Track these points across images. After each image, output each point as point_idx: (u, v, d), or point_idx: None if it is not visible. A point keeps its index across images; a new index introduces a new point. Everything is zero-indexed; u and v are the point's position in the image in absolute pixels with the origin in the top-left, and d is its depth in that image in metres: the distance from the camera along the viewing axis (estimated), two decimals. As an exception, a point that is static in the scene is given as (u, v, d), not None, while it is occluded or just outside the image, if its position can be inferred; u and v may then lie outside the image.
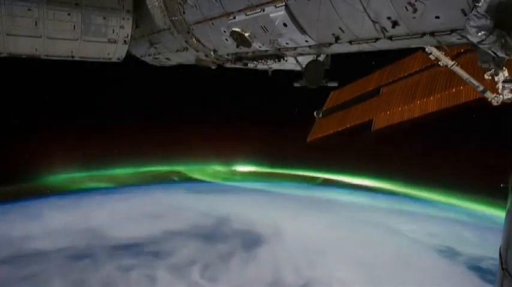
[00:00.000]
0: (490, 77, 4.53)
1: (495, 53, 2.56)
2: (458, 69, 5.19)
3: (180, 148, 40.42)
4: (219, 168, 43.93)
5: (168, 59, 8.31)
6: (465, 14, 2.57)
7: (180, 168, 43.10)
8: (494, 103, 4.83)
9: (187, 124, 37.86)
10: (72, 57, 7.33)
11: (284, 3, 3.97)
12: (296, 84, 5.96)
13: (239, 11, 4.68)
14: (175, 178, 42.68)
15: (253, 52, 5.53)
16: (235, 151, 41.83)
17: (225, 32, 5.25)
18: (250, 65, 6.46)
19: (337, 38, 3.92)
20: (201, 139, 39.47)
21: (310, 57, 5.71)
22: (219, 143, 40.30)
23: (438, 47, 4.96)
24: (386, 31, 3.36)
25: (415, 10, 2.93)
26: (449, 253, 26.89)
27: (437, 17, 2.89)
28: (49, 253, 24.52)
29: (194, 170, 43.30)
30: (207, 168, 43.82)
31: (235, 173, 44.22)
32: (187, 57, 7.43)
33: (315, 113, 6.50)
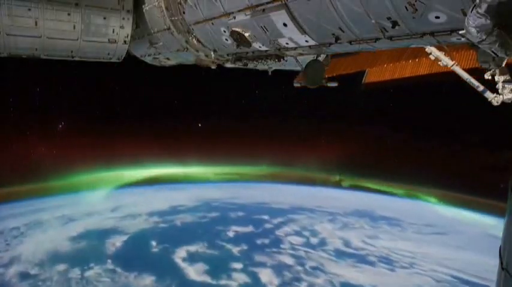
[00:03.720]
0: (490, 77, 4.53)
1: (495, 53, 2.55)
2: (458, 69, 5.18)
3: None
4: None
5: (168, 59, 8.31)
6: (465, 14, 2.57)
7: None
8: (494, 103, 4.82)
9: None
10: (72, 57, 7.33)
11: (284, 3, 3.97)
12: (296, 84, 5.96)
13: (239, 11, 4.68)
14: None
15: (253, 52, 5.52)
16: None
17: (225, 32, 5.25)
18: (250, 65, 6.45)
19: (337, 38, 3.92)
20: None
21: (310, 57, 5.71)
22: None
23: (438, 47, 4.96)
24: (386, 31, 3.36)
25: (415, 10, 2.93)
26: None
27: (437, 17, 2.88)
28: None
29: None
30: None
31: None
32: (187, 57, 7.43)
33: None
